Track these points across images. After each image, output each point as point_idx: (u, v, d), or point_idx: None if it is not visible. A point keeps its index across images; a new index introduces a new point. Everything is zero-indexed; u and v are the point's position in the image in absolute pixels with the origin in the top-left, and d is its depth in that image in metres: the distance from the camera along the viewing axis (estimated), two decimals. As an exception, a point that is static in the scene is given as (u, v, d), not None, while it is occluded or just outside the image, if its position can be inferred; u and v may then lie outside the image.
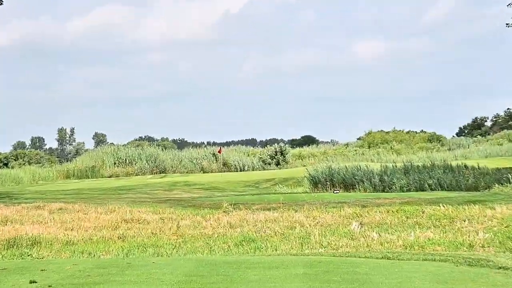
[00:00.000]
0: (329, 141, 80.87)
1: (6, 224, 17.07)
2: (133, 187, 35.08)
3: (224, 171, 50.81)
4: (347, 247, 13.58)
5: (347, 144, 67.24)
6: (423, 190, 28.59)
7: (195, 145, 74.77)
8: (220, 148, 55.43)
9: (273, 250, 13.46)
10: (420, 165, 33.08)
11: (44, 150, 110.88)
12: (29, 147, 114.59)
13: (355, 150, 62.23)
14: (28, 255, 13.21)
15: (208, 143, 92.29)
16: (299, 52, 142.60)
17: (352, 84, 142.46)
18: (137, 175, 50.64)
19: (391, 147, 62.28)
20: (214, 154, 55.02)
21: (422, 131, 72.96)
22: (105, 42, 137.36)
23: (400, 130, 69.53)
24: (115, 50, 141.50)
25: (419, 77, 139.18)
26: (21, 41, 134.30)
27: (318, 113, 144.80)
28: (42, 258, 12.86)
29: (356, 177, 31.56)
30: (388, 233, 14.86)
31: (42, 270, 8.72)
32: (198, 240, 14.98)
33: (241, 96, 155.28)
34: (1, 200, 23.62)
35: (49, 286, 7.55)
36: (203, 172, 51.91)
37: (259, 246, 13.99)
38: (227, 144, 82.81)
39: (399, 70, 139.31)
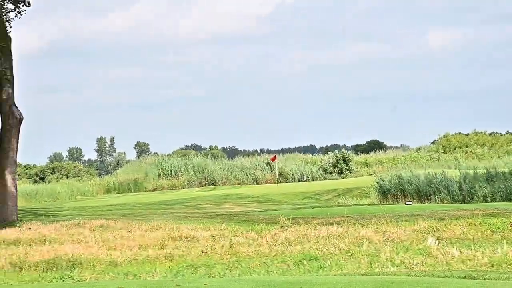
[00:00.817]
0: (399, 145, 79.81)
1: (44, 244, 17.63)
2: (179, 201, 35.62)
3: (280, 182, 50.91)
4: (422, 265, 13.41)
5: (419, 149, 66.18)
6: (510, 200, 27.96)
7: (247, 153, 75.39)
8: (275, 156, 55.61)
9: (338, 270, 13.41)
10: (506, 171, 32.40)
11: (82, 162, 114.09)
12: (67, 159, 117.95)
13: (429, 156, 61.24)
14: (69, 278, 13.57)
15: (262, 151, 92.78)
16: (359, 44, 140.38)
17: (424, 80, 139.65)
18: (183, 188, 51.39)
19: (471, 151, 60.94)
20: (268, 163, 55.24)
21: (508, 132, 71.14)
22: (143, 40, 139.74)
23: (481, 132, 67.98)
24: (152, 48, 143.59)
25: (501, 69, 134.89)
26: (52, 42, 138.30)
27: (385, 114, 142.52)
28: (85, 280, 13.21)
29: (432, 186, 31.12)
30: (471, 249, 14.59)
31: (85, 292, 8.95)
32: (254, 259, 15.07)
33: (296, 96, 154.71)
34: (38, 218, 24.42)
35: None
36: (257, 183, 52.18)
37: (322, 265, 13.97)
38: (283, 151, 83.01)
39: (478, 62, 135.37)
